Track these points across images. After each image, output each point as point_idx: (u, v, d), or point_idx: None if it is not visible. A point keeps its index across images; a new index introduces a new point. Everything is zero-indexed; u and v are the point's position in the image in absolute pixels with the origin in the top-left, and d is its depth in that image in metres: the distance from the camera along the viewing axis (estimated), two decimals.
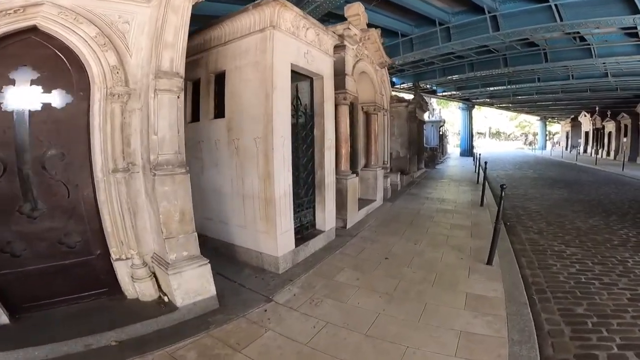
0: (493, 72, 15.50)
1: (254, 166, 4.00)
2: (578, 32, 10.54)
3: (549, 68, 14.80)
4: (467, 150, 27.56)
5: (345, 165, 6.07)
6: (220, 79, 4.46)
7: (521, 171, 16.48)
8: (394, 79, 21.46)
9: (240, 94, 4.13)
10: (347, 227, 6.05)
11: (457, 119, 30.82)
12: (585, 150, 30.17)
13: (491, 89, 20.63)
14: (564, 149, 35.53)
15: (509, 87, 19.59)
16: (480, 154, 14.71)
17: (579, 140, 32.66)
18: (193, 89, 4.87)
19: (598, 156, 26.18)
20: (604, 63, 13.33)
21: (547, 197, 9.37)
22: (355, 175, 6.36)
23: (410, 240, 5.39)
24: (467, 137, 28.36)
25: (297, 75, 4.66)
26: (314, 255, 4.73)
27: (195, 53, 4.62)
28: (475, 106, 29.76)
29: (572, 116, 33.94)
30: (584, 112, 29.73)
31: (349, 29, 5.78)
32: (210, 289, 3.16)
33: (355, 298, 3.52)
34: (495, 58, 14.62)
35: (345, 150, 6.04)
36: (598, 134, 28.06)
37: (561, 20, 8.57)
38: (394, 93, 18.29)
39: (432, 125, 23.80)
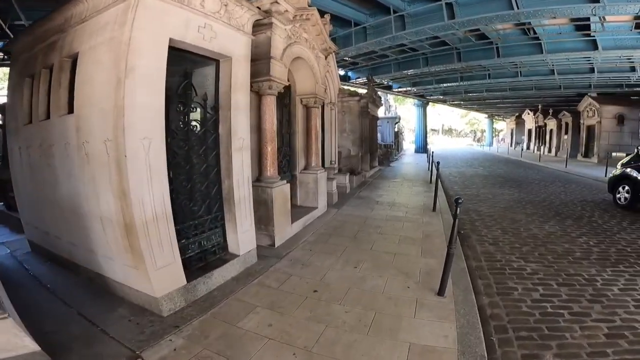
0: (447, 67, 15.22)
1: (106, 179, 2.72)
2: (530, 24, 10.31)
3: (500, 64, 14.80)
4: (422, 147, 27.73)
5: (271, 169, 4.91)
6: (75, 64, 3.19)
7: (472, 168, 16.47)
8: (349, 74, 20.72)
9: (91, 81, 2.85)
10: (276, 244, 4.93)
11: (413, 116, 30.97)
12: (528, 147, 31.77)
13: (444, 85, 20.61)
14: (509, 145, 37.46)
15: (461, 83, 19.64)
16: (433, 152, 14.37)
17: (523, 137, 34.43)
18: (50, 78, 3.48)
19: (540, 153, 27.66)
20: (551, 61, 13.48)
21: (499, 198, 8.98)
22: (285, 181, 5.21)
23: (349, 262, 4.38)
24: (422, 133, 28.57)
25: (195, 58, 3.43)
26: (221, 289, 3.60)
27: (54, 34, 3.40)
28: (430, 103, 30.06)
29: (517, 114, 35.72)
30: (527, 110, 31.27)
31: (277, 3, 4.60)
32: (25, 344, 2.06)
33: (259, 357, 2.50)
34: (449, 52, 14.30)
35: (271, 151, 4.88)
36: (540, 131, 29.60)
37: (517, 8, 8.10)
38: (346, 87, 17.52)
39: (387, 122, 23.49)
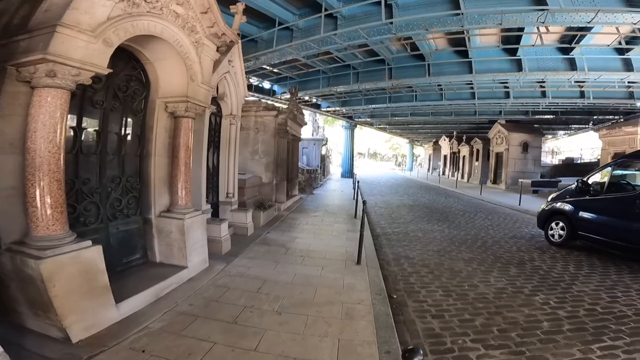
0: (377, 84, 14.44)
1: None
2: (464, 41, 9.79)
3: (428, 83, 14.67)
4: (348, 172, 27.05)
5: (49, 222, 2.55)
6: None
7: (397, 197, 15.71)
8: (275, 87, 18.96)
9: None
10: (76, 339, 2.54)
11: (342, 139, 30.49)
12: (443, 173, 33.65)
13: (373, 106, 20.18)
14: (427, 170, 39.66)
15: (389, 105, 19.38)
16: (358, 181, 13.15)
17: (439, 163, 36.65)
18: None
19: (455, 179, 29.25)
20: (477, 82, 13.54)
21: (430, 237, 7.73)
22: (88, 243, 2.84)
23: None
24: (349, 157, 28.01)
25: None
26: None
27: None
28: (358, 126, 29.95)
29: (435, 140, 38.10)
30: (444, 136, 33.29)
31: None
32: None
33: None
34: (381, 68, 13.55)
35: (48, 188, 2.51)
36: (454, 157, 31.56)
37: (459, 9, 7.27)
38: (264, 100, 15.66)
39: (314, 144, 22.19)
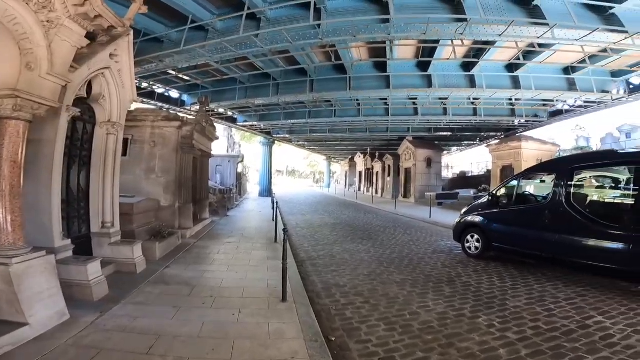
0: (298, 97, 13.86)
1: None
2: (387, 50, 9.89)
3: (348, 98, 14.79)
4: (267, 190, 25.84)
5: None
6: None
7: (318, 215, 15.23)
8: (184, 97, 16.91)
9: None
10: None
11: (260, 156, 29.19)
12: (359, 189, 35.12)
13: (292, 121, 19.68)
14: (345, 187, 41.01)
15: (308, 120, 19.12)
16: (277, 202, 12.23)
17: (355, 179, 38.24)
18: None
19: (371, 194, 30.66)
20: (392, 97, 14.01)
21: (357, 258, 7.19)
22: None
23: None
24: (267, 175, 26.86)
25: None
26: None
27: None
28: (276, 142, 29.15)
29: (350, 157, 39.75)
30: (359, 153, 34.89)
31: None
32: None
33: None
34: (303, 80, 13.06)
35: None
36: (369, 173, 33.23)
37: (389, 14, 7.20)
38: (166, 109, 13.74)
39: (229, 161, 20.53)
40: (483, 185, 19.80)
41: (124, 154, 7.87)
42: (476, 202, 7.87)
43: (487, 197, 7.26)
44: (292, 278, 5.16)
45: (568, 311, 4.29)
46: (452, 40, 8.53)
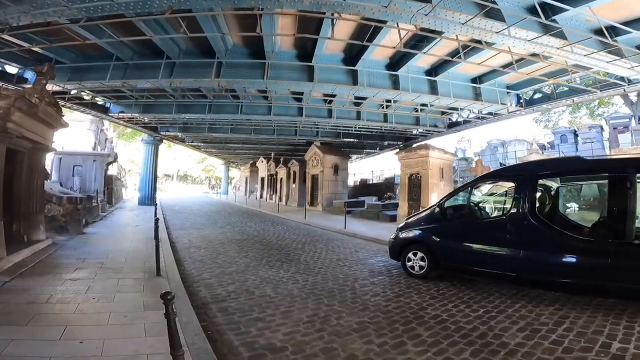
0: (200, 81, 10.89)
1: None
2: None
3: (263, 89, 12.40)
4: (149, 197, 21.07)
5: None
6: None
7: (218, 228, 12.57)
8: (27, 74, 11.87)
9: None
10: None
11: (142, 156, 23.88)
12: (262, 196, 32.88)
13: (188, 115, 16.13)
14: (244, 194, 38.07)
15: (207, 116, 15.96)
16: (162, 211, 9.22)
17: (256, 186, 35.84)
18: None
19: (272, 201, 28.83)
20: (310, 93, 12.33)
21: (284, 293, 5.30)
22: None
23: None
24: (150, 179, 21.89)
25: None
26: None
27: None
28: (165, 141, 24.44)
29: (252, 162, 37.12)
30: (261, 158, 32.68)
31: None
32: None
33: None
34: (209, 62, 10.21)
35: None
36: (272, 179, 31.35)
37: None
38: None
39: (93, 160, 15.69)
40: (388, 193, 20.29)
41: None
42: (417, 215, 6.85)
43: (432, 209, 6.30)
44: (193, 342, 2.91)
45: (574, 343, 3.30)
46: (397, 25, 7.50)
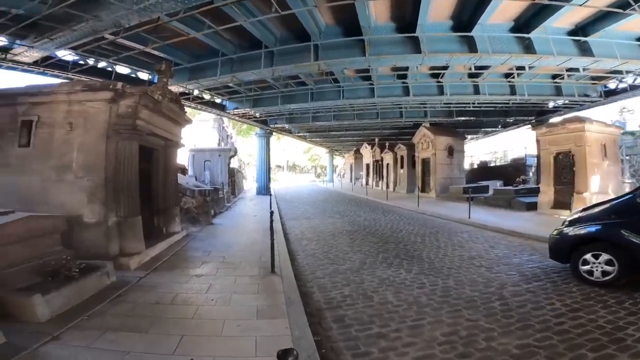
0: (299, 66, 10.71)
1: None
2: None
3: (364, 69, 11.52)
4: (264, 188, 22.66)
5: None
6: None
7: (327, 218, 12.27)
8: (151, 76, 13.72)
9: None
10: None
11: (256, 149, 26.03)
12: (367, 182, 32.01)
13: (292, 106, 16.52)
14: (350, 181, 37.92)
15: (310, 104, 15.98)
16: (278, 205, 9.23)
17: (361, 173, 35.18)
18: None
19: (379, 188, 27.65)
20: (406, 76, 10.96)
21: (405, 298, 4.38)
22: None
23: None
24: (264, 170, 23.55)
25: None
26: None
27: None
28: (274, 133, 26.05)
29: (356, 149, 36.62)
30: (365, 144, 31.74)
31: None
32: None
33: None
34: (305, 46, 9.92)
35: None
36: (377, 165, 30.15)
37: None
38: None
39: (219, 155, 17.52)
40: (521, 177, 16.80)
41: (26, 143, 4.99)
42: (598, 207, 4.94)
43: (629, 198, 4.36)
44: None
45: None
46: None
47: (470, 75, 13.12)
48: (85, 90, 4.97)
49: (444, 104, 17.05)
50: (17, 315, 3.12)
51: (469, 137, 30.41)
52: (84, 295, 3.79)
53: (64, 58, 10.33)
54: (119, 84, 5.12)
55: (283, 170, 65.70)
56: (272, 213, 6.23)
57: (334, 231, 9.53)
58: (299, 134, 30.94)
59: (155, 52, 10.28)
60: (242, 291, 4.44)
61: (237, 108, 17.96)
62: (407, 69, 12.59)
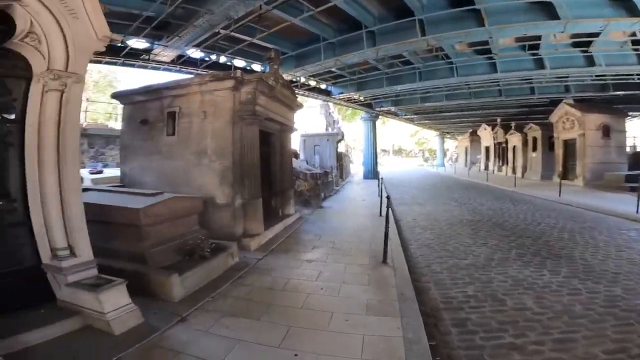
0: (403, 44, 9.92)
1: None
2: None
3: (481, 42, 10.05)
4: (372, 172, 22.30)
5: None
6: None
7: (442, 204, 11.23)
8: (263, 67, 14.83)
9: None
10: None
11: (362, 133, 25.85)
12: (486, 167, 28.28)
13: (398, 87, 15.63)
14: (465, 165, 34.18)
15: (419, 85, 14.78)
16: (385, 188, 8.80)
17: (478, 157, 31.33)
18: None
19: (501, 174, 24.09)
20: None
21: (550, 305, 3.62)
22: None
23: None
24: (371, 154, 23.19)
25: None
26: None
27: None
28: (380, 117, 25.32)
29: (471, 130, 32.71)
30: (484, 125, 28.03)
31: None
32: None
33: None
34: (408, 22, 9.13)
35: None
36: (500, 148, 26.31)
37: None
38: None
39: (327, 140, 18.01)
40: None
41: (172, 132, 5.86)
42: None
43: None
44: None
45: None
46: None
47: (635, 42, 9.98)
48: (213, 80, 5.53)
49: (596, 76, 13.43)
50: (158, 294, 3.47)
51: (631, 115, 23.44)
52: (211, 275, 4.17)
53: (192, 56, 11.99)
54: (239, 72, 5.54)
55: (389, 155, 64.08)
56: (388, 197, 5.87)
57: (451, 219, 8.64)
58: (406, 117, 29.32)
59: (263, 43, 10.97)
60: (351, 281, 4.30)
61: (341, 93, 18.01)
62: (538, 38, 10.32)
